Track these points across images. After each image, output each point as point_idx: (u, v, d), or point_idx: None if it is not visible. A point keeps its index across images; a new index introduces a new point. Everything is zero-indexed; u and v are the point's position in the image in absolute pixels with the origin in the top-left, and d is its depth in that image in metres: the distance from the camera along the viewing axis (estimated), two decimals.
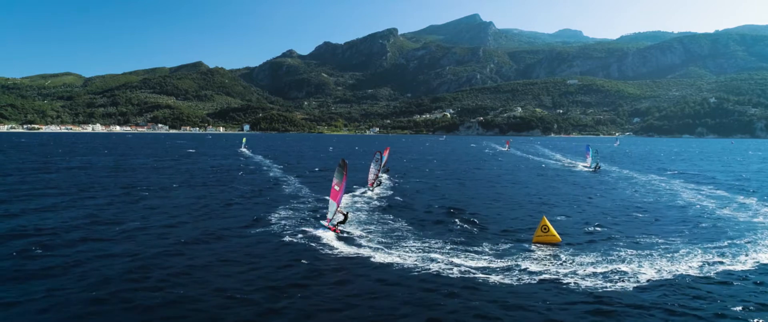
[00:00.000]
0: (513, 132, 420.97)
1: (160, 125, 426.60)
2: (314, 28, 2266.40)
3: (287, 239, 20.32)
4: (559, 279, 15.51)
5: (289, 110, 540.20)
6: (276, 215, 25.74)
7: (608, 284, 14.98)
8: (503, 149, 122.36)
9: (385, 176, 43.78)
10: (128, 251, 18.12)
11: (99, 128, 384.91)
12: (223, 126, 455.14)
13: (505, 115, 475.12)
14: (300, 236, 21.06)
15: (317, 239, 20.44)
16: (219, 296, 13.77)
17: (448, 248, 19.11)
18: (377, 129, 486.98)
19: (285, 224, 23.29)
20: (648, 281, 15.35)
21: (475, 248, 19.07)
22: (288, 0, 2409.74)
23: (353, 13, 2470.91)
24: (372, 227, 22.93)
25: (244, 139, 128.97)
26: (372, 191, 35.59)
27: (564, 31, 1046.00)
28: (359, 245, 19.36)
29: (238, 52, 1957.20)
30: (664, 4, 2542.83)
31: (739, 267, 16.93)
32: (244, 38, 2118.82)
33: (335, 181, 22.16)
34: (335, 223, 22.08)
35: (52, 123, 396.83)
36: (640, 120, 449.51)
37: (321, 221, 23.30)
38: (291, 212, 26.76)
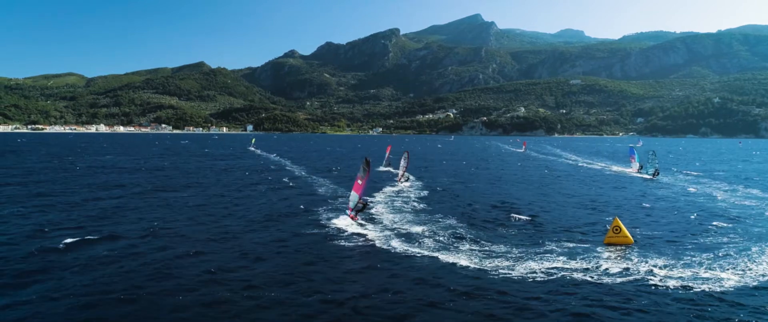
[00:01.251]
0: (516, 132, 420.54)
1: (163, 126, 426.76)
2: (316, 29, 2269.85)
3: (325, 231, 20.17)
4: (637, 279, 15.29)
5: (292, 110, 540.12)
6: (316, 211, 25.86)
7: (691, 285, 14.72)
8: (519, 151, 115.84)
9: (407, 176, 44.43)
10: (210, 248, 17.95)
11: (103, 128, 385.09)
12: (226, 126, 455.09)
13: (509, 115, 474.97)
14: (333, 227, 22.30)
15: (361, 235, 20.82)
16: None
17: (517, 251, 18.83)
18: (380, 129, 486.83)
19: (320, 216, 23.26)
20: (732, 285, 15.06)
21: (550, 248, 18.81)
22: (289, 0, 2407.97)
23: (355, 13, 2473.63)
24: (427, 227, 22.76)
25: (253, 139, 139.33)
26: (401, 183, 40.86)
27: (566, 31, 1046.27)
28: (414, 241, 19.09)
29: (240, 52, 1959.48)
30: (665, 3, 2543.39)
31: None
32: (246, 39, 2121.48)
33: (359, 175, 24.52)
34: (356, 211, 24.46)
35: (55, 123, 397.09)
36: (643, 120, 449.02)
37: (346, 211, 25.75)
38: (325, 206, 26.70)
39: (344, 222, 23.70)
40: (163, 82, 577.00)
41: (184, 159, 74.86)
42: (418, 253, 18.37)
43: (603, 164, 71.02)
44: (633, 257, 17.91)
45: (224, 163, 67.49)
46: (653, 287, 14.76)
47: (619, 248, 19.45)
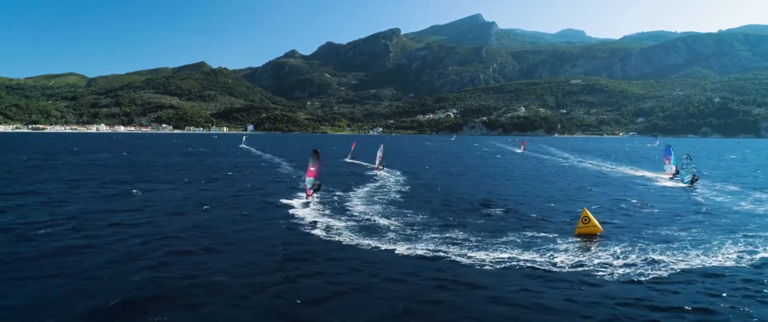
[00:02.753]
0: (517, 132, 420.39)
1: (163, 125, 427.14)
2: (316, 29, 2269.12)
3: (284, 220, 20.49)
4: (593, 267, 15.66)
5: (292, 110, 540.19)
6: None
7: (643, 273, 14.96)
8: (518, 151, 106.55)
9: (383, 166, 53.22)
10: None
11: (103, 128, 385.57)
12: (226, 126, 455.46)
13: (509, 115, 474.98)
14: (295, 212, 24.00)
15: (331, 227, 21.25)
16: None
17: (481, 240, 19.11)
18: (380, 129, 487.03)
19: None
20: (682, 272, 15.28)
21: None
22: (290, 0, 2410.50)
23: (356, 13, 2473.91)
24: (393, 219, 23.04)
25: (244, 138, 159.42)
26: (378, 171, 50.00)
27: (566, 31, 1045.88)
28: (382, 235, 19.35)
29: (241, 52, 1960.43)
30: (666, 3, 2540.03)
31: None
32: (247, 39, 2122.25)
33: (311, 163, 30.36)
34: (313, 190, 30.39)
35: (56, 123, 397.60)
36: (644, 120, 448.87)
37: (304, 193, 30.89)
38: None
39: (303, 211, 25.77)
40: (163, 82, 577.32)
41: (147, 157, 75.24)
42: (370, 243, 18.82)
43: (629, 170, 58.20)
44: (593, 247, 18.47)
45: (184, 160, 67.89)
46: (606, 275, 15.19)
47: (585, 238, 20.01)
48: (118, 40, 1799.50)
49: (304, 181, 31.51)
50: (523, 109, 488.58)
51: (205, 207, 27.20)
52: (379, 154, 52.66)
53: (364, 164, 62.50)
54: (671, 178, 44.22)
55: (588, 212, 20.72)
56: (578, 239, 19.73)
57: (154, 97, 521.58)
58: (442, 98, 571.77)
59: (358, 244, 18.66)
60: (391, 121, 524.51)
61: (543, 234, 20.65)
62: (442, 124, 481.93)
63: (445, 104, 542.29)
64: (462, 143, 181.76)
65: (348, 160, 69.46)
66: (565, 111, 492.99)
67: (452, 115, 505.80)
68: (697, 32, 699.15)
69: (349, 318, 11.98)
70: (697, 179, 40.03)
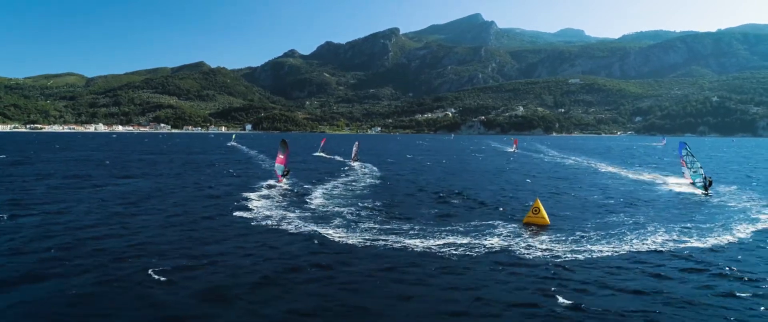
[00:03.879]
0: (514, 131, 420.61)
1: (162, 125, 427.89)
2: (316, 28, 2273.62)
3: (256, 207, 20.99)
4: (535, 255, 16.06)
5: (291, 110, 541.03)
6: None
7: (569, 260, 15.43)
8: (510, 150, 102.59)
9: (359, 159, 61.50)
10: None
11: (102, 128, 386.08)
12: (225, 126, 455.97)
13: (507, 114, 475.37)
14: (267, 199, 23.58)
15: (287, 219, 21.20)
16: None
17: (432, 229, 19.60)
18: (379, 128, 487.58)
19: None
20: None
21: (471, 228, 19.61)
22: (290, 0, 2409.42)
23: (355, 12, 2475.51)
24: (352, 208, 23.55)
25: (233, 136, 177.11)
26: (353, 163, 56.59)
27: (566, 30, 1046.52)
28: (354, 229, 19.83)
29: (240, 52, 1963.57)
30: (665, 3, 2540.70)
31: None
32: (246, 38, 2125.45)
33: (279, 152, 35.90)
34: (283, 175, 35.61)
35: (55, 123, 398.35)
36: (641, 119, 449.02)
37: (275, 179, 36.33)
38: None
39: (260, 203, 26.66)
40: (162, 82, 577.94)
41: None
42: (316, 230, 19.41)
43: (633, 173, 48.96)
44: (540, 236, 18.99)
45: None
46: (546, 262, 15.69)
47: (533, 227, 20.61)
48: (117, 40, 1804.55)
49: (276, 168, 36.41)
50: (521, 108, 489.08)
51: (152, 198, 28.07)
52: (355, 148, 60.97)
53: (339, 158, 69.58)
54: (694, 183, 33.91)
55: (539, 202, 21.31)
56: (518, 227, 20.41)
57: (152, 96, 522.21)
58: (441, 98, 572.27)
59: (300, 231, 19.19)
60: (390, 120, 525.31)
61: (490, 221, 21.32)
62: (440, 123, 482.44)
63: (444, 104, 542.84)
64: (456, 142, 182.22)
65: (318, 153, 78.74)
66: (563, 110, 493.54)
67: (451, 115, 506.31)
68: (696, 31, 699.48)
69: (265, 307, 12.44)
70: (711, 183, 32.49)
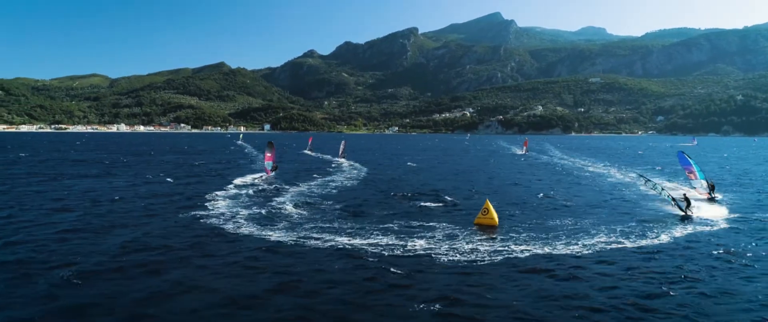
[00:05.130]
0: (532, 131, 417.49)
1: (182, 125, 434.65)
2: (335, 28, 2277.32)
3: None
4: (478, 256, 16.38)
5: (310, 110, 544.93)
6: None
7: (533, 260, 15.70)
8: (520, 152, 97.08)
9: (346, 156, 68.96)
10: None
11: (123, 128, 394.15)
12: (244, 126, 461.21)
13: (526, 114, 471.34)
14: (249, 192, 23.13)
15: (262, 218, 21.67)
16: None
17: (383, 229, 20.02)
18: (396, 128, 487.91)
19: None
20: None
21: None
22: (309, 0, 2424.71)
23: (374, 12, 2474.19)
24: (310, 209, 24.11)
25: (240, 135, 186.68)
26: (341, 159, 65.37)
27: (587, 28, 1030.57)
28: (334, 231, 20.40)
29: (260, 52, 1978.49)
30: (690, 0, 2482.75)
31: None
32: (266, 39, 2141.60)
33: (267, 151, 44.05)
34: (272, 170, 43.55)
35: (78, 123, 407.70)
36: (663, 118, 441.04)
37: (263, 172, 43.86)
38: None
39: (221, 202, 27.88)
40: (183, 83, 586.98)
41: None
42: (264, 234, 20.01)
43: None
44: (484, 236, 19.39)
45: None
46: (471, 263, 16.18)
47: (481, 228, 21.05)
48: (140, 41, 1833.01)
49: (265, 164, 44.35)
50: (540, 108, 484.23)
51: (116, 197, 29.08)
52: (341, 147, 70.57)
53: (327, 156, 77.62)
54: (710, 198, 30.21)
55: (489, 204, 21.61)
56: (471, 228, 20.74)
57: (174, 97, 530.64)
58: (459, 97, 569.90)
59: (250, 233, 19.84)
60: (408, 120, 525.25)
61: (443, 223, 21.70)
62: (457, 123, 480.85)
63: (462, 103, 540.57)
64: (467, 142, 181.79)
65: (306, 151, 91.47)
66: (583, 110, 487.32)
67: (468, 115, 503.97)
68: (721, 29, 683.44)
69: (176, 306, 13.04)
70: (713, 187, 30.68)
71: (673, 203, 25.76)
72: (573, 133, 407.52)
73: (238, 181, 38.56)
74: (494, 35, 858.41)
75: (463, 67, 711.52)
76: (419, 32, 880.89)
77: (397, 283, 14.07)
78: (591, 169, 56.08)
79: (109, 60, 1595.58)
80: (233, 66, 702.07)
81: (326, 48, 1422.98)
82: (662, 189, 26.59)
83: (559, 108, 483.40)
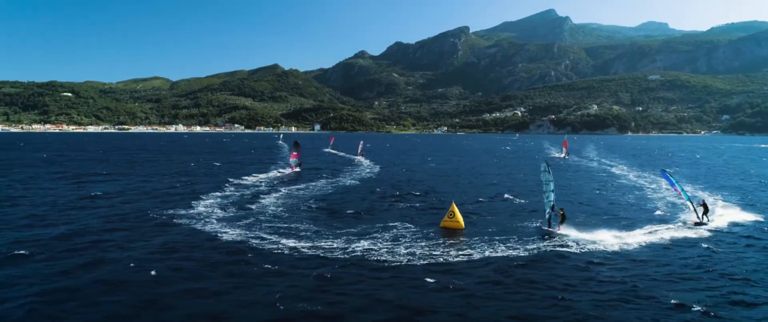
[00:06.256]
0: (586, 130, 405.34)
1: (236, 125, 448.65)
2: (386, 29, 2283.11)
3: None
4: (441, 256, 16.71)
5: (359, 110, 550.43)
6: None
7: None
8: (560, 156, 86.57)
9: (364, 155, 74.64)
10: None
11: (181, 128, 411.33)
12: (295, 126, 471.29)
13: (579, 113, 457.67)
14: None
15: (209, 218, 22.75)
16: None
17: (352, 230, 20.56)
18: (445, 128, 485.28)
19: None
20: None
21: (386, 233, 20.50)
22: (360, 1, 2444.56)
23: (425, 12, 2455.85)
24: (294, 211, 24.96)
25: (281, 135, 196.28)
26: (359, 159, 69.56)
27: (648, 24, 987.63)
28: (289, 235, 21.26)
29: (313, 54, 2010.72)
30: None
31: None
32: (318, 40, 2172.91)
33: (293, 150, 50.71)
34: (297, 166, 49.54)
35: (140, 124, 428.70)
36: (729, 117, 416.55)
37: (288, 167, 50.49)
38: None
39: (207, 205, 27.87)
40: (238, 84, 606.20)
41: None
42: (234, 233, 21.15)
43: None
44: (441, 240, 19.83)
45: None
46: (428, 265, 16.82)
47: (446, 231, 21.58)
48: (200, 44, 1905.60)
49: (290, 161, 51.10)
50: (594, 107, 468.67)
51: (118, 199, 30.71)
52: (360, 146, 78.08)
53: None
54: (699, 223, 25.17)
55: (455, 207, 21.77)
56: (434, 231, 21.14)
57: (229, 98, 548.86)
58: (510, 96, 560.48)
59: (226, 232, 20.94)
60: (457, 120, 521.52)
61: (408, 225, 22.30)
62: (507, 122, 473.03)
63: (513, 102, 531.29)
64: (511, 143, 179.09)
65: (328, 150, 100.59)
66: (640, 109, 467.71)
67: (519, 114, 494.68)
68: None
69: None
70: (707, 208, 26.17)
71: (691, 207, 25.42)
72: (629, 134, 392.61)
73: (246, 179, 40.15)
74: (548, 33, 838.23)
75: (515, 65, 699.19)
76: (470, 31, 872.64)
77: (318, 285, 14.67)
78: (615, 170, 54.32)
79: (171, 63, 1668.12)
80: (286, 67, 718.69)
81: (377, 48, 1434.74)
82: (683, 191, 25.78)
83: (615, 107, 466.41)
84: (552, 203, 22.14)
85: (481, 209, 26.89)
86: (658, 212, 27.59)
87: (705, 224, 24.50)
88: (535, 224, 23.22)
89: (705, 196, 34.09)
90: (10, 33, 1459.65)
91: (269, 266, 16.15)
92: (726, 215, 27.08)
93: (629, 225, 23.47)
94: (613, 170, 57.03)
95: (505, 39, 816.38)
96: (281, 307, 12.84)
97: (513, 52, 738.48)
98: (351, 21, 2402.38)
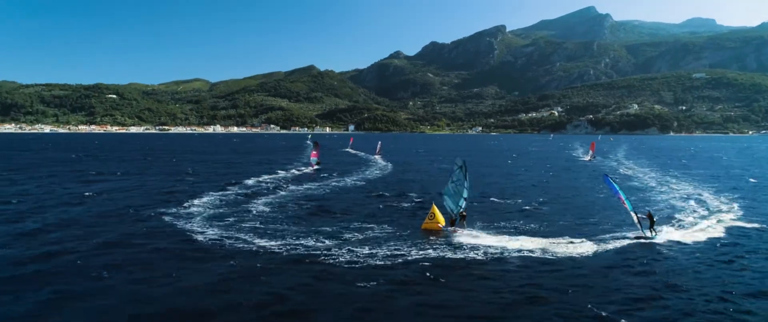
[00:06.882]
0: (626, 130, 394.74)
1: (272, 126, 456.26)
2: (421, 29, 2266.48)
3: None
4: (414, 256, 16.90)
5: (394, 110, 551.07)
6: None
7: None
8: (585, 159, 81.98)
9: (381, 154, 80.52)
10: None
11: (219, 129, 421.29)
12: (329, 126, 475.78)
13: (619, 112, 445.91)
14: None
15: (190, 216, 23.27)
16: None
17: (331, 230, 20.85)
18: (480, 128, 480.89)
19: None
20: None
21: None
22: (396, 1, 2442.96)
23: (460, 11, 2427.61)
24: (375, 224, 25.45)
25: (309, 136, 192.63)
26: (377, 156, 76.22)
27: (693, 20, 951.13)
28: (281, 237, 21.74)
29: (348, 54, 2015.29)
30: None
31: None
32: (354, 41, 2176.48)
33: (313, 149, 55.06)
34: (316, 165, 53.14)
35: (180, 124, 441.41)
36: None
37: (310, 166, 54.18)
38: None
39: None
40: (275, 85, 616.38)
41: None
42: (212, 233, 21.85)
43: None
44: (419, 239, 20.04)
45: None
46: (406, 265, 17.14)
47: (427, 232, 21.81)
48: (239, 47, 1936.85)
49: (311, 160, 55.30)
50: (635, 106, 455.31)
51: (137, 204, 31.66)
52: (378, 146, 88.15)
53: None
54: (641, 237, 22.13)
55: (435, 208, 21.79)
56: (413, 232, 21.27)
57: (266, 99, 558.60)
58: (547, 96, 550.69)
59: (203, 231, 21.58)
60: (492, 120, 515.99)
61: (385, 226, 22.50)
62: (544, 123, 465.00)
63: (550, 102, 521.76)
64: (541, 143, 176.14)
65: (348, 149, 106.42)
66: (684, 108, 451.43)
67: (556, 114, 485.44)
68: None
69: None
70: (653, 220, 22.64)
71: (634, 218, 21.75)
72: (671, 133, 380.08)
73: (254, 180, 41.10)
74: (587, 30, 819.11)
75: (553, 64, 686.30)
76: (507, 30, 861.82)
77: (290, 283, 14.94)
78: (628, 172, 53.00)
79: (211, 65, 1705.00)
80: (322, 68, 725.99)
81: (412, 48, 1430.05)
82: (627, 199, 21.99)
83: (656, 106, 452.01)
84: (462, 209, 21.81)
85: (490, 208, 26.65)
86: (593, 219, 26.16)
87: (650, 238, 21.39)
88: (513, 224, 23.23)
89: (711, 197, 33.06)
90: (62, 36, 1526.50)
91: (221, 260, 16.96)
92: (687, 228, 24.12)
93: (556, 232, 22.56)
94: (622, 170, 55.88)
95: (543, 37, 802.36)
96: (212, 299, 13.41)
97: (551, 51, 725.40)
98: (386, 21, 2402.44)
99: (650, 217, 22.42)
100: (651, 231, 21.83)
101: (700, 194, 35.20)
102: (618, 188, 22.62)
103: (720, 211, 28.53)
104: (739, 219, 25.98)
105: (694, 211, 28.61)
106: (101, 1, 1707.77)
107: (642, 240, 20.99)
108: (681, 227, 24.03)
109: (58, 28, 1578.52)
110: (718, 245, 20.27)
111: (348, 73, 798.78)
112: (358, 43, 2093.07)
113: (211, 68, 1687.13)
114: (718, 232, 22.83)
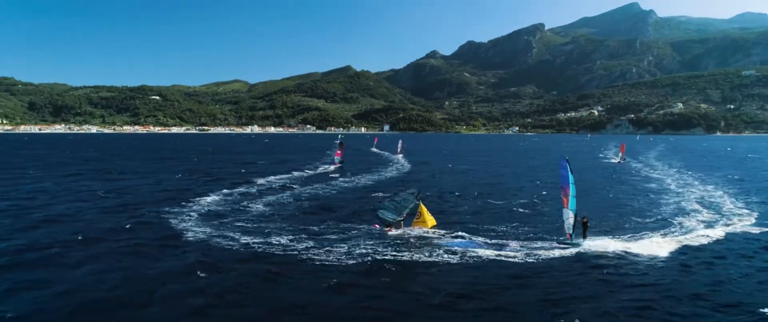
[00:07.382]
0: (669, 130, 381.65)
1: (308, 126, 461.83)
2: (457, 28, 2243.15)
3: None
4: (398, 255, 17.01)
5: (429, 110, 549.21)
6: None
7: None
8: (615, 161, 78.14)
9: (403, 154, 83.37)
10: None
11: (256, 129, 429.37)
12: (365, 126, 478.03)
13: (662, 112, 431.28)
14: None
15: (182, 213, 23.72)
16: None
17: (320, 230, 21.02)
18: (516, 128, 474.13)
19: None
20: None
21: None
22: (432, 1, 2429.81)
23: (498, 10, 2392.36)
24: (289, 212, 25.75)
25: (340, 136, 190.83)
26: (398, 155, 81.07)
27: (743, 15, 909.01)
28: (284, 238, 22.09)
29: (384, 55, 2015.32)
30: None
31: None
32: (390, 41, 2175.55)
33: (337, 149, 59.79)
34: (339, 163, 57.06)
35: (219, 125, 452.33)
36: None
37: (333, 164, 58.15)
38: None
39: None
40: (312, 86, 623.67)
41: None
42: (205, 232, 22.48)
43: None
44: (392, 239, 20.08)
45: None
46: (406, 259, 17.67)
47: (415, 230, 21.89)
48: (277, 48, 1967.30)
49: (335, 158, 59.47)
50: (679, 105, 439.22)
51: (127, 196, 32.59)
52: (399, 145, 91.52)
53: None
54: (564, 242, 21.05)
55: (423, 207, 21.78)
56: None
57: (303, 100, 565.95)
58: (586, 95, 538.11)
59: (196, 229, 22.06)
60: (529, 120, 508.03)
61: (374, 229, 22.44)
62: (583, 122, 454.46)
63: (589, 101, 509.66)
64: (575, 143, 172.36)
65: (374, 149, 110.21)
66: (732, 107, 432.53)
67: (596, 113, 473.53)
68: None
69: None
70: (587, 225, 21.31)
71: (571, 218, 20.01)
72: (718, 133, 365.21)
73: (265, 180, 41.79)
74: (630, 27, 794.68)
75: (593, 63, 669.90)
76: (546, 28, 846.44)
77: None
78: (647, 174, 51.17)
79: (250, 66, 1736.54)
80: (358, 69, 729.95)
81: (449, 48, 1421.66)
82: (573, 196, 19.89)
83: (702, 105, 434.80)
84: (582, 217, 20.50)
85: (453, 208, 26.48)
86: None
87: (576, 245, 19.94)
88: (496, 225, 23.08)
89: (721, 197, 31.84)
90: (109, 40, 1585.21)
91: (191, 253, 17.71)
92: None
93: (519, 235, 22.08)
94: (645, 172, 54.16)
95: (583, 35, 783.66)
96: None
97: (591, 49, 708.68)
98: (423, 21, 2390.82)
99: (585, 223, 20.92)
100: (582, 237, 20.57)
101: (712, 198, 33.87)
102: (571, 180, 20.01)
103: (730, 215, 27.31)
104: (737, 226, 24.65)
105: (698, 214, 27.61)
106: (149, 7, 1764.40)
107: (567, 244, 19.89)
108: (671, 234, 22.80)
109: (108, 31, 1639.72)
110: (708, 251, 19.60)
111: (384, 74, 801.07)
112: (394, 44, 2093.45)
113: (250, 70, 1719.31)
114: (712, 238, 21.79)
